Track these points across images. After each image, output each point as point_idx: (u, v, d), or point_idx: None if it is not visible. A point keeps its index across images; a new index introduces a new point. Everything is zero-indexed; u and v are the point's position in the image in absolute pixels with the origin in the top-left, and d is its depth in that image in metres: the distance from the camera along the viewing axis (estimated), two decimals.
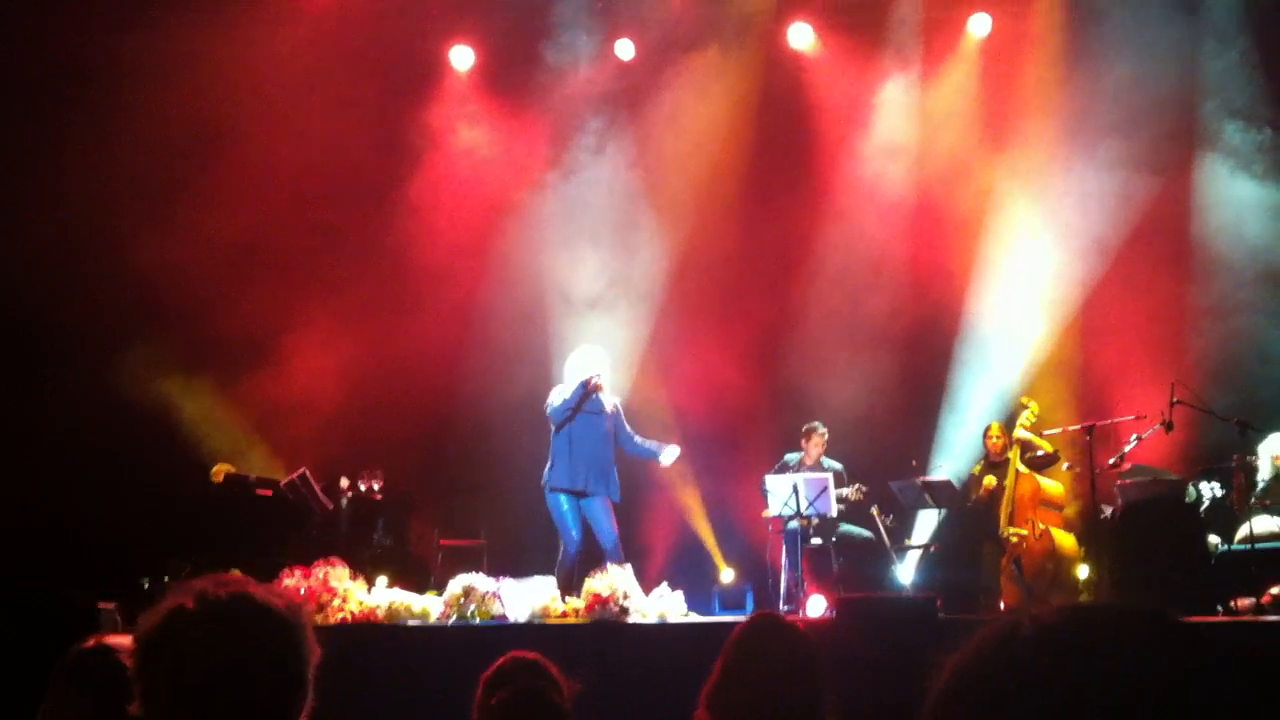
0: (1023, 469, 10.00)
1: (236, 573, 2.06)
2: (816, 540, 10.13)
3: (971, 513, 10.45)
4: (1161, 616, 1.06)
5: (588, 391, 8.91)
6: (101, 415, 10.33)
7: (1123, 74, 11.18)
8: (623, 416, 9.26)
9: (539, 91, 12.18)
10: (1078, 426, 9.90)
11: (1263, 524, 8.68)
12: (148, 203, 10.84)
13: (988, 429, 10.58)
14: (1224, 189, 11.38)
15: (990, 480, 10.15)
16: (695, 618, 8.12)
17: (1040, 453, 10.14)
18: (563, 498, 8.92)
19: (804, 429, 10.58)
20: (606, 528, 8.87)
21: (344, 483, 10.66)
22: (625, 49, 12.29)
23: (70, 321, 10.43)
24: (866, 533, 10.36)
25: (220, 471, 10.18)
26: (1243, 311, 10.98)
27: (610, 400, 9.15)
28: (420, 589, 8.30)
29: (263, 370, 10.89)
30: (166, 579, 8.35)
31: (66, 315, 10.41)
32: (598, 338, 10.27)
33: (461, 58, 12.44)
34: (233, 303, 10.86)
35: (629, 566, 8.00)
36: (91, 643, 3.10)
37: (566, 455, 8.93)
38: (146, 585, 8.68)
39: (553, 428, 9.03)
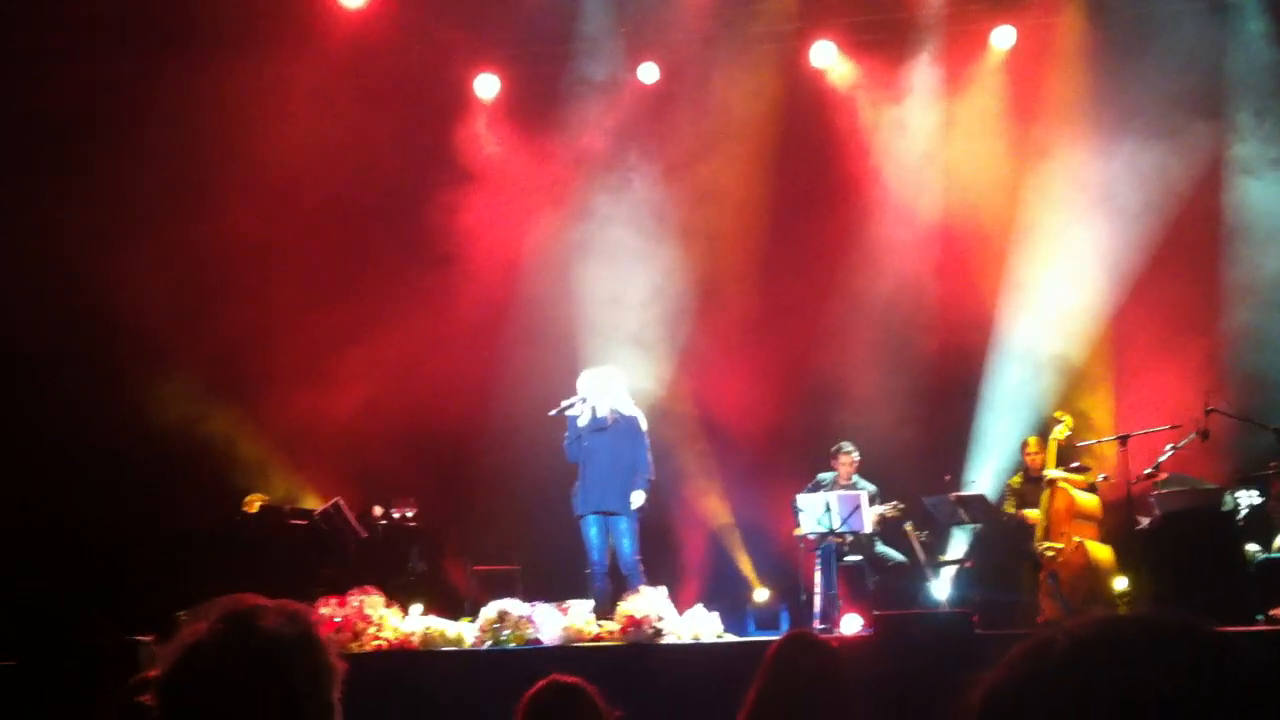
0: (1059, 473, 9.87)
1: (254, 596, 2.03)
2: (851, 558, 10.08)
3: (1006, 527, 10.37)
4: (1193, 627, 1.06)
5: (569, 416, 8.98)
6: (135, 447, 10.41)
7: (1150, 81, 11.11)
8: (636, 427, 9.04)
9: (565, 117, 12.21)
10: (1112, 438, 9.81)
11: None
12: (173, 232, 10.84)
13: (1025, 443, 10.49)
14: (1255, 194, 11.28)
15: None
16: (730, 638, 8.08)
17: (1075, 465, 10.05)
18: (585, 521, 8.93)
19: (832, 449, 10.51)
20: (622, 547, 8.84)
21: (377, 511, 10.69)
22: (649, 72, 12.33)
23: (109, 349, 10.56)
24: (901, 556, 10.29)
25: (254, 501, 10.23)
26: (1277, 318, 10.86)
27: (615, 413, 9.01)
28: (455, 615, 8.32)
29: (295, 401, 10.93)
30: None
31: (108, 346, 10.53)
32: (627, 361, 10.28)
33: (486, 86, 12.50)
34: (262, 334, 10.91)
35: (663, 588, 7.98)
36: (141, 678, 3.11)
37: (580, 479, 8.96)
38: (184, 618, 8.70)
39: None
